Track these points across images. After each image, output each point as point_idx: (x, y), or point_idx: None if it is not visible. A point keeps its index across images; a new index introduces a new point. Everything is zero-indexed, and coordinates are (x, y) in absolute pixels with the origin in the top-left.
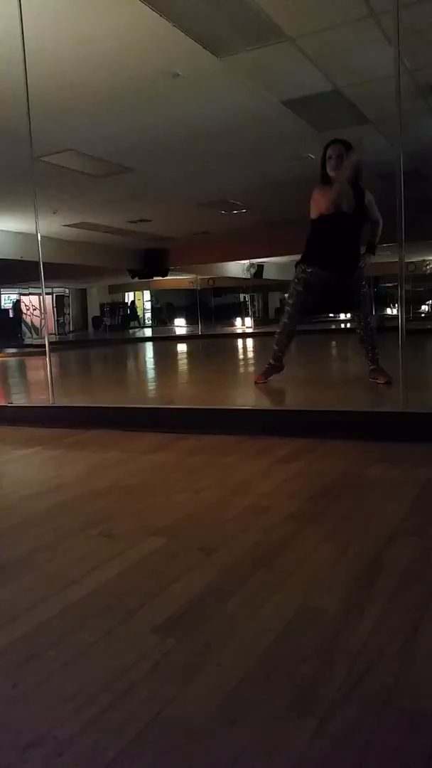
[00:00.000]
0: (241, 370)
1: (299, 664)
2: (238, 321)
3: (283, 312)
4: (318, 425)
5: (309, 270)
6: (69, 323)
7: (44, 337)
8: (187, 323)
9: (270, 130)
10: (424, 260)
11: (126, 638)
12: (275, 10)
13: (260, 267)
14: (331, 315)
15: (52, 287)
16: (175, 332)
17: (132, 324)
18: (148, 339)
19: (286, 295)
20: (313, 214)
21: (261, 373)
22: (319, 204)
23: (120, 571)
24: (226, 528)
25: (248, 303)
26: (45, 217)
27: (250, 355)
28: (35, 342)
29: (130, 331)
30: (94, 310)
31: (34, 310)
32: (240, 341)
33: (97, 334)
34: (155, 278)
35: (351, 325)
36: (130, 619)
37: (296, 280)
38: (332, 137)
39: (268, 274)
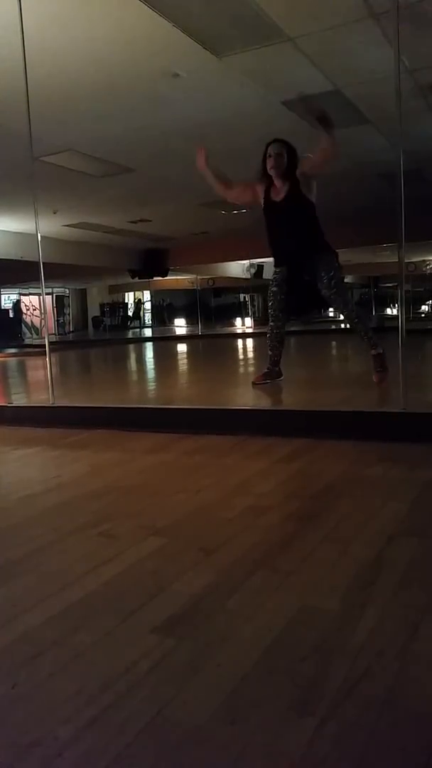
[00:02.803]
0: (241, 370)
1: (299, 663)
2: (238, 321)
3: (269, 316)
4: (318, 425)
5: (277, 270)
6: (69, 323)
7: (44, 337)
8: (187, 323)
9: (270, 131)
10: (424, 260)
11: (126, 638)
12: (275, 10)
13: (260, 267)
14: (331, 315)
15: (52, 287)
16: (175, 332)
17: (132, 324)
18: (148, 339)
19: (269, 302)
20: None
21: (259, 375)
22: (252, 188)
23: (120, 571)
24: (226, 528)
25: (248, 303)
26: (45, 217)
27: (250, 355)
28: (35, 342)
29: (130, 331)
30: (94, 310)
31: (34, 310)
32: (240, 341)
33: (97, 334)
34: (155, 278)
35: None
36: (130, 619)
37: (271, 282)
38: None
39: (268, 274)
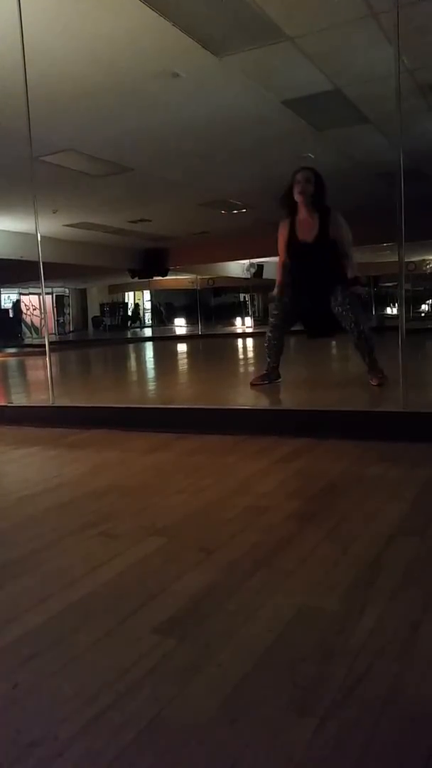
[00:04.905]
0: (241, 369)
1: (299, 664)
2: (238, 321)
3: (269, 323)
4: (318, 425)
5: (286, 300)
6: (69, 323)
7: (44, 337)
8: (187, 323)
9: (270, 130)
10: (424, 260)
11: (126, 638)
12: (275, 10)
13: (260, 267)
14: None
15: (52, 287)
16: (175, 332)
17: (132, 324)
18: (148, 339)
19: (272, 306)
20: (280, 248)
21: (257, 377)
22: (281, 236)
23: (120, 571)
24: (226, 528)
25: (248, 303)
26: (45, 217)
27: (250, 354)
28: (35, 342)
29: (130, 331)
30: (94, 310)
31: (34, 310)
32: (240, 341)
33: (96, 334)
34: (155, 278)
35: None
36: (130, 619)
37: (285, 291)
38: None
39: (268, 274)
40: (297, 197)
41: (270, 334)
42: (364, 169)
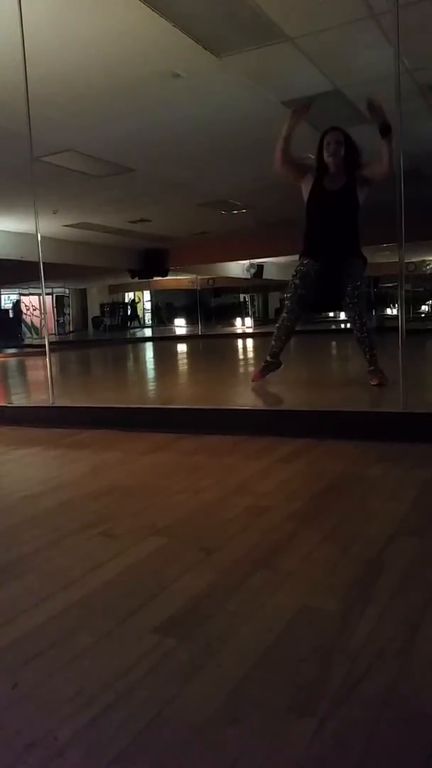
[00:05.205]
0: (241, 370)
1: (299, 664)
2: (238, 321)
3: (283, 307)
4: (318, 425)
5: (305, 261)
6: (69, 323)
7: (44, 337)
8: (187, 323)
9: (270, 130)
10: (424, 260)
11: (126, 638)
12: (275, 10)
13: (260, 267)
14: (331, 315)
15: (52, 287)
16: (175, 332)
17: (132, 324)
18: (148, 339)
19: (286, 294)
20: (305, 199)
21: (257, 371)
22: (305, 188)
23: (120, 571)
24: (226, 528)
25: (248, 303)
26: (45, 217)
27: (250, 355)
28: (35, 342)
29: (130, 331)
30: (94, 310)
31: (34, 310)
32: (240, 341)
33: (97, 334)
34: (155, 278)
35: (349, 325)
36: (130, 619)
37: (294, 273)
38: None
39: (268, 274)
40: (327, 160)
41: (285, 315)
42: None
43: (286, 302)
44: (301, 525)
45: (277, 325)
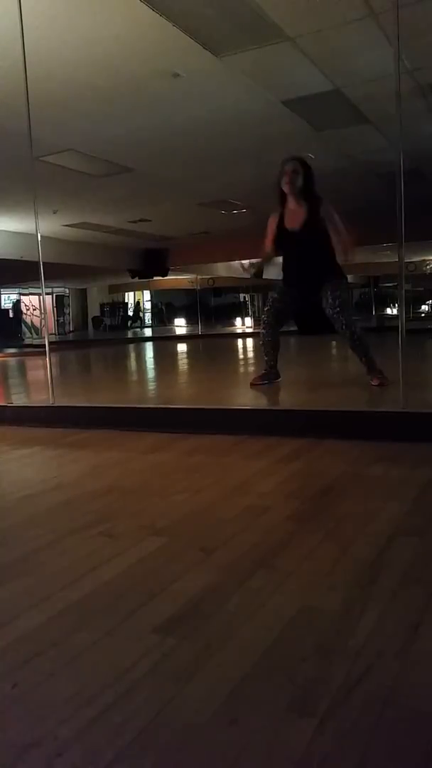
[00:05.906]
0: (241, 369)
1: (299, 664)
2: (238, 321)
3: (261, 323)
4: (318, 425)
5: (281, 286)
6: (69, 323)
7: (44, 337)
8: (187, 323)
9: (270, 130)
10: (424, 260)
11: (126, 638)
12: (275, 10)
13: (260, 266)
14: None
15: (52, 287)
16: (175, 332)
17: (133, 324)
18: (148, 339)
19: (264, 308)
20: (267, 239)
21: (257, 378)
22: (269, 227)
23: (120, 571)
24: (226, 528)
25: (248, 303)
26: (45, 217)
27: (250, 354)
28: (35, 342)
29: (130, 331)
30: (94, 310)
31: (34, 310)
32: (240, 341)
33: (97, 334)
34: (155, 278)
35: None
36: (130, 619)
37: (274, 288)
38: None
39: (267, 274)
40: (285, 188)
41: (263, 331)
42: (364, 169)
43: (264, 316)
44: (301, 525)
45: (261, 342)
